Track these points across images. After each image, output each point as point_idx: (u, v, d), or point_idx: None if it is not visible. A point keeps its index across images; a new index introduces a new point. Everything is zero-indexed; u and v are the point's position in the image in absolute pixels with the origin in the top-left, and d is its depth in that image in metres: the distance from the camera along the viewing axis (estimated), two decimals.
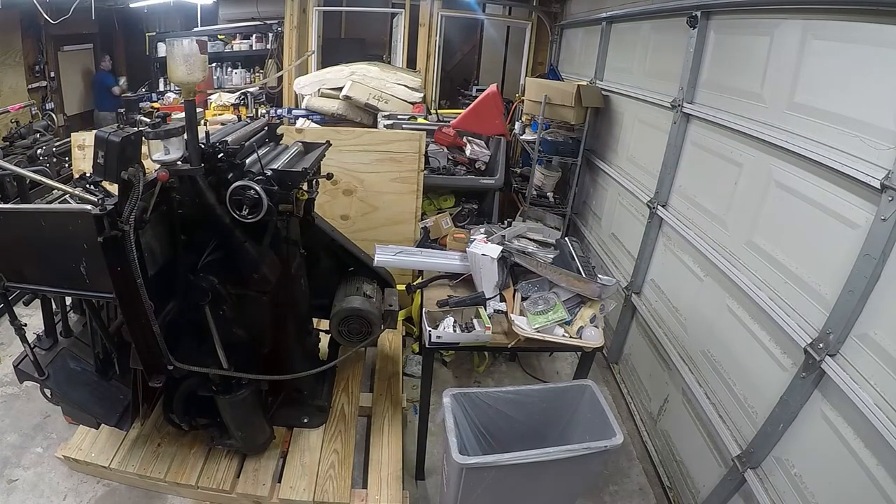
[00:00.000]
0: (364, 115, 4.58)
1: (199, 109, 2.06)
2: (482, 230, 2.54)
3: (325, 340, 2.71)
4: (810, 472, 1.63)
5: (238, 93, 5.09)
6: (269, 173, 1.82)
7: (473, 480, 1.72)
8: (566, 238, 2.51)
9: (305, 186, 2.08)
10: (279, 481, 2.13)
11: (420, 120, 4.21)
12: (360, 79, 4.55)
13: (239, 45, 6.13)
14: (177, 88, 5.41)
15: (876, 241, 1.43)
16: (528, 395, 2.00)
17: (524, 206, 4.15)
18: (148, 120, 1.59)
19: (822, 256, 1.67)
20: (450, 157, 3.81)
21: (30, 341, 1.90)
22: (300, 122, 4.35)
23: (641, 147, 3.13)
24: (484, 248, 2.19)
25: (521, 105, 4.65)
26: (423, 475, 2.38)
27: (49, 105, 5.30)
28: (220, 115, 4.69)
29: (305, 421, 2.35)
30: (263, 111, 4.73)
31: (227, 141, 1.84)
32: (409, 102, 4.61)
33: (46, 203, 1.77)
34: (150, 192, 1.54)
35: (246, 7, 6.14)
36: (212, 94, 5.22)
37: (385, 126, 3.98)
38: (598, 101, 3.60)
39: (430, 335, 1.99)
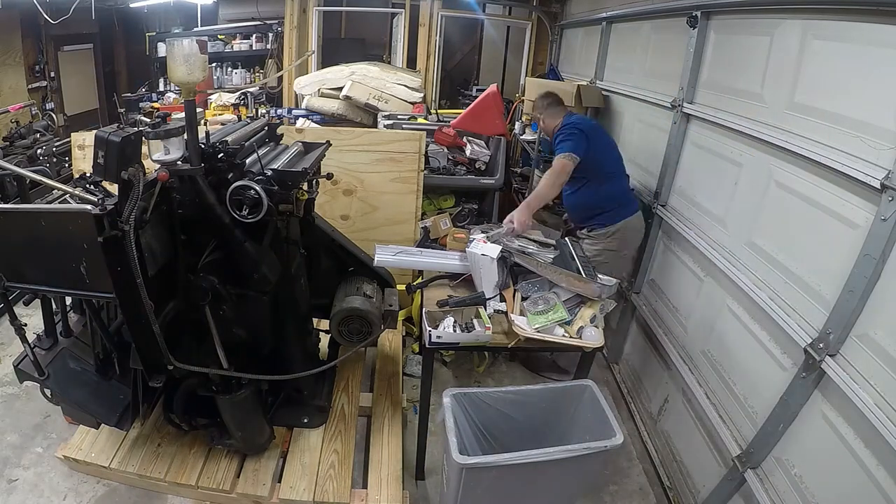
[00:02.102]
0: (364, 115, 4.58)
1: (199, 109, 2.06)
2: (480, 230, 2.55)
3: (325, 340, 2.71)
4: (810, 472, 1.63)
5: (238, 93, 5.08)
6: (269, 173, 1.82)
7: (473, 480, 1.72)
8: (566, 238, 2.51)
9: (305, 186, 2.08)
10: (279, 481, 2.13)
11: (420, 120, 4.21)
12: (360, 79, 4.55)
13: (239, 45, 6.11)
14: (177, 88, 5.40)
15: (876, 241, 1.43)
16: (528, 395, 2.00)
17: None
18: (148, 120, 1.59)
19: (822, 256, 1.67)
20: (450, 157, 3.81)
21: (30, 341, 1.90)
22: (300, 122, 4.35)
23: (641, 147, 3.12)
24: (483, 248, 2.19)
25: (521, 105, 4.65)
26: (423, 475, 2.38)
27: (49, 105, 5.29)
28: (220, 115, 4.69)
29: (305, 421, 2.35)
30: (263, 111, 4.72)
31: (227, 141, 1.84)
32: (409, 102, 4.61)
33: (46, 203, 1.77)
34: (150, 192, 1.54)
35: (246, 7, 6.13)
36: (212, 94, 5.21)
37: (385, 126, 3.98)
38: (598, 101, 3.60)
39: (430, 335, 1.99)
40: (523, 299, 2.13)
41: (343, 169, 3.09)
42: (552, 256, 2.30)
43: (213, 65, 5.89)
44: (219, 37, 6.09)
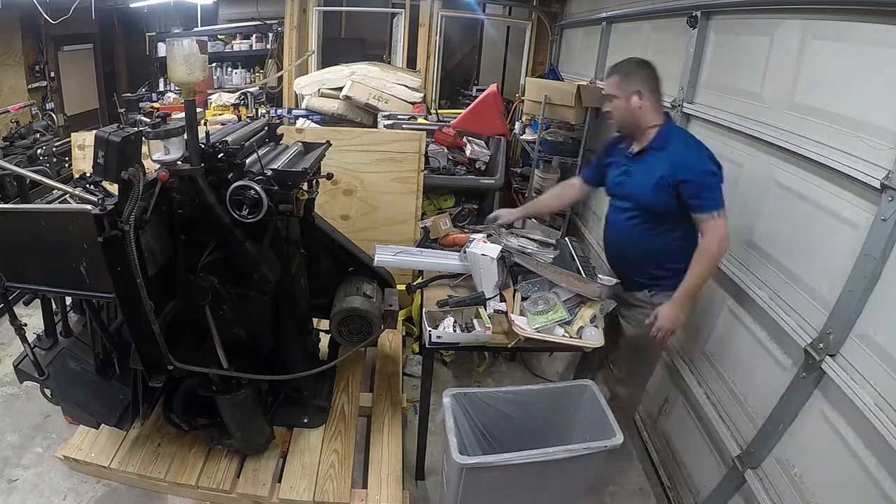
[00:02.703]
0: (364, 115, 4.58)
1: (199, 109, 2.06)
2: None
3: (325, 340, 2.71)
4: (810, 472, 1.63)
5: (238, 93, 5.08)
6: (269, 173, 1.82)
7: (473, 480, 1.72)
8: (566, 238, 2.51)
9: (305, 186, 2.08)
10: (279, 481, 2.13)
11: (420, 120, 4.21)
12: (360, 79, 4.55)
13: (239, 45, 6.12)
14: (177, 88, 5.40)
15: (876, 241, 1.43)
16: (528, 395, 2.00)
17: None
18: (148, 120, 1.58)
19: (822, 256, 1.67)
20: (450, 157, 3.81)
21: (30, 341, 1.90)
22: (300, 122, 4.35)
23: None
24: (483, 248, 2.19)
25: (521, 105, 4.65)
26: (423, 475, 2.38)
27: (49, 105, 5.29)
28: (220, 115, 4.69)
29: (305, 421, 2.35)
30: (263, 111, 4.72)
31: (227, 141, 1.84)
32: (409, 102, 4.60)
33: (46, 203, 1.77)
34: (150, 192, 1.54)
35: (246, 7, 6.13)
36: (212, 94, 5.21)
37: (385, 126, 3.97)
38: (598, 101, 3.59)
39: (430, 335, 1.99)
40: (523, 299, 2.13)
41: (343, 169, 3.09)
42: (552, 256, 2.30)
43: (213, 65, 5.89)
44: (219, 37, 6.10)
